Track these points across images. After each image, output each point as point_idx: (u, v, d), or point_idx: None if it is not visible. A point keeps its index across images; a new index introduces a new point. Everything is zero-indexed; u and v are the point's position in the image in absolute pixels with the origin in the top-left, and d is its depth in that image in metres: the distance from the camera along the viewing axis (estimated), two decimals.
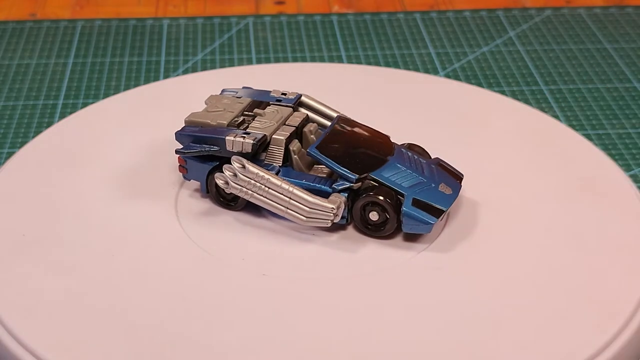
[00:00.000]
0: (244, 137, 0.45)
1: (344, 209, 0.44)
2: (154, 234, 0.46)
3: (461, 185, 0.46)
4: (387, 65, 0.69)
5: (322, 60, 0.69)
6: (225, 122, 0.46)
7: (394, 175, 0.45)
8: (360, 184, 0.45)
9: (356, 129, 0.47)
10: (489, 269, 0.44)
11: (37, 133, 0.60)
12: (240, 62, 0.69)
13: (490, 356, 0.39)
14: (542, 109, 0.63)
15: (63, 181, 0.49)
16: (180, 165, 0.48)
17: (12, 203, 0.48)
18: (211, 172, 0.47)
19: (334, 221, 0.44)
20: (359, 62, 0.69)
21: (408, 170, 0.45)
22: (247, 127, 0.46)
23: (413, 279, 0.43)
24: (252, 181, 0.44)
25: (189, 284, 0.42)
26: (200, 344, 0.39)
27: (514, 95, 0.65)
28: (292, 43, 0.72)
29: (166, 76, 0.67)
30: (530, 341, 0.39)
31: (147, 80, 0.66)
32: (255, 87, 0.53)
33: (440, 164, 0.47)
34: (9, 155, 0.57)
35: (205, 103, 0.49)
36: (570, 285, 0.42)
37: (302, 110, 0.49)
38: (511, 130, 0.54)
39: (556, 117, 0.62)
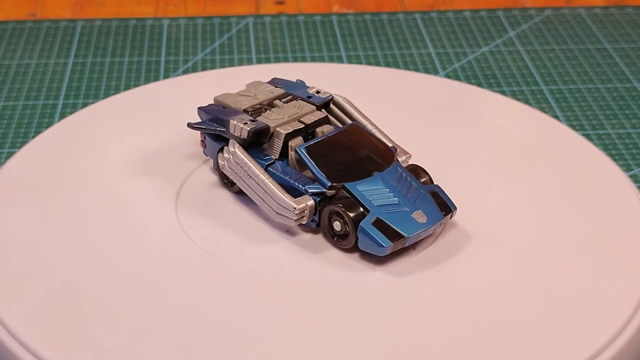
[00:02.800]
0: (247, 123, 0.46)
1: (315, 213, 0.44)
2: (149, 224, 0.46)
3: (444, 217, 0.44)
4: (387, 65, 0.69)
5: (322, 60, 0.69)
6: (242, 107, 0.48)
7: (369, 191, 0.44)
8: (334, 191, 0.44)
9: (359, 139, 0.46)
10: (443, 298, 0.42)
11: (37, 133, 0.60)
12: (240, 62, 0.69)
13: (489, 357, 0.39)
14: (542, 109, 0.63)
15: (63, 181, 0.49)
16: (201, 140, 0.49)
17: (11, 203, 0.48)
18: (220, 152, 0.48)
19: (301, 222, 0.44)
20: (359, 62, 0.69)
21: (386, 189, 0.44)
22: (259, 115, 0.47)
23: (338, 296, 0.42)
24: (239, 166, 0.45)
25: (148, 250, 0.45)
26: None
27: (514, 95, 0.65)
28: (292, 43, 0.72)
29: (166, 76, 0.67)
30: (529, 343, 0.39)
31: (147, 80, 0.66)
32: None
33: (434, 192, 0.45)
34: (9, 155, 0.57)
35: (245, 87, 0.50)
36: (569, 286, 0.42)
37: (336, 109, 0.49)
38: (511, 131, 0.54)
39: (556, 117, 0.62)
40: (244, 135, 0.46)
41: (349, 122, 0.49)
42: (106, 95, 0.64)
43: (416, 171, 0.46)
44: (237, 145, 0.46)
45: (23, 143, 0.59)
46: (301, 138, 0.46)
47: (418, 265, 0.43)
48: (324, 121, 0.47)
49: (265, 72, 0.60)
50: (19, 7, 0.78)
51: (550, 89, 0.66)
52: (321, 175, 0.44)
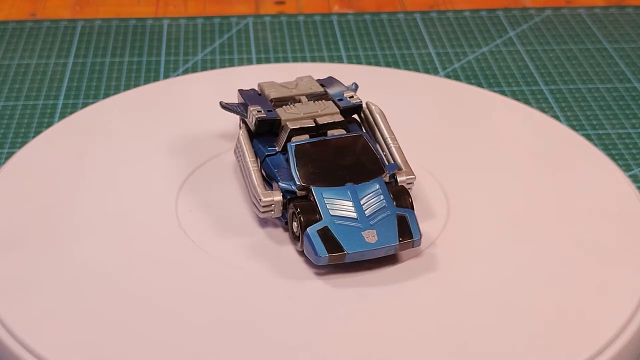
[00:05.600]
0: (260, 112, 0.47)
1: (284, 210, 0.44)
2: (150, 224, 0.47)
3: (398, 243, 0.42)
4: (387, 65, 0.69)
5: (322, 60, 0.69)
6: (270, 97, 0.49)
7: (332, 200, 0.43)
8: (305, 192, 0.44)
9: (354, 149, 0.45)
10: (356, 319, 0.41)
11: (37, 133, 0.60)
12: (240, 62, 0.69)
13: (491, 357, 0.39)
14: (542, 109, 0.63)
15: (63, 181, 0.49)
16: (239, 123, 0.50)
17: (11, 203, 0.48)
18: None
19: (270, 215, 0.44)
20: (359, 62, 0.69)
21: (350, 202, 0.43)
22: (280, 107, 0.48)
23: (253, 291, 0.42)
24: (239, 151, 0.47)
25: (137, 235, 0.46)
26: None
27: (514, 95, 0.65)
28: (292, 43, 0.72)
29: (166, 76, 0.67)
30: (530, 343, 0.39)
31: (147, 80, 0.66)
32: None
33: (403, 216, 0.43)
34: (9, 155, 0.57)
35: (295, 79, 0.51)
36: (568, 287, 0.42)
37: (369, 116, 0.49)
38: (511, 131, 0.54)
39: (556, 117, 0.62)
40: (253, 122, 0.47)
41: (377, 130, 0.49)
42: (106, 95, 0.64)
43: (399, 193, 0.44)
44: (242, 130, 0.47)
45: (23, 143, 0.59)
46: (307, 136, 0.46)
47: (357, 284, 0.42)
48: (339, 125, 0.47)
49: (265, 72, 0.60)
50: (19, 7, 0.78)
51: (550, 89, 0.66)
52: (295, 175, 0.44)
